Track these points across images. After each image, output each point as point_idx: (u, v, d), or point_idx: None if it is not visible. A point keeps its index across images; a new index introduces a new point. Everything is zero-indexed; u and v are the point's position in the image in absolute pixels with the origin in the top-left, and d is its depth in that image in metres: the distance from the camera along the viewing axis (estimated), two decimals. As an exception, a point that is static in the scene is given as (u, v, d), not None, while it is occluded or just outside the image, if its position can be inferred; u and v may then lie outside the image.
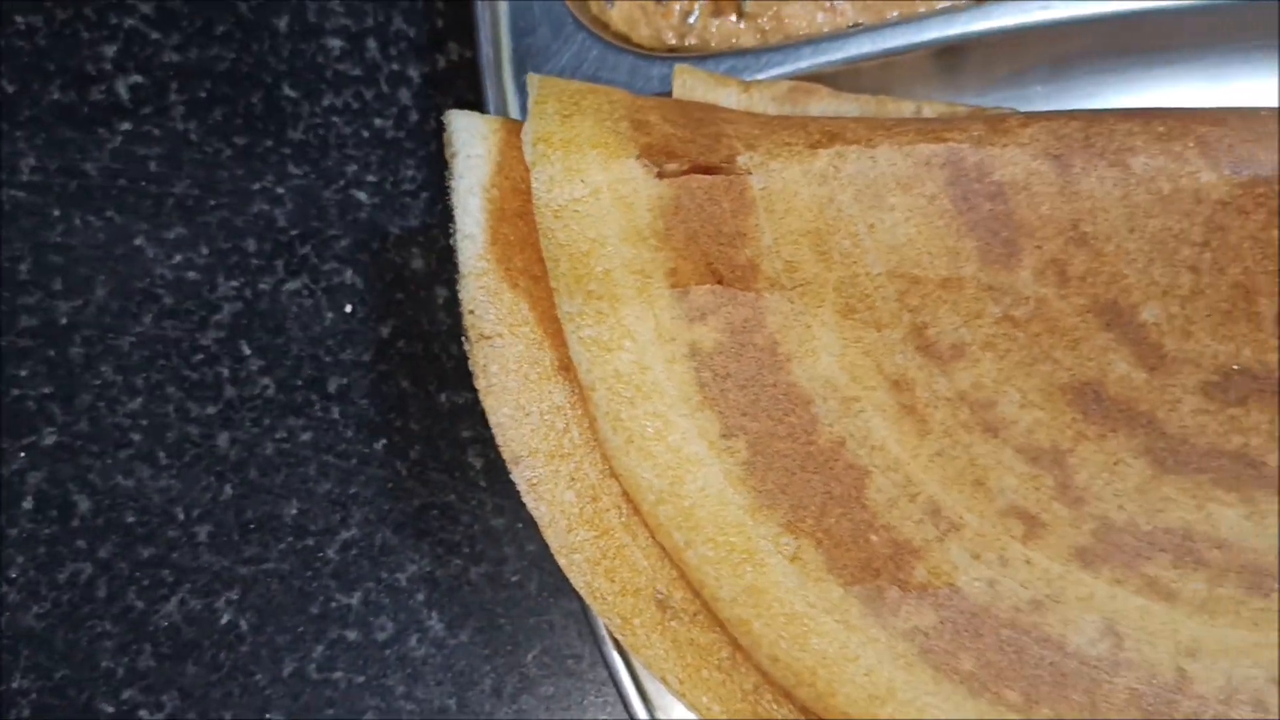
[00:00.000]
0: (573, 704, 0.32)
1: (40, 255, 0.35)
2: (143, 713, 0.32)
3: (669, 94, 0.33)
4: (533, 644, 0.33)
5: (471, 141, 0.30)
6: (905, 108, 0.33)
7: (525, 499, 0.28)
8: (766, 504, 0.29)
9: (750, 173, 0.28)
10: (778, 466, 0.29)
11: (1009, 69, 0.37)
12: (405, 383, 0.34)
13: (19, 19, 0.36)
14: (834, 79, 0.35)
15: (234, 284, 0.35)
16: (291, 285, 0.35)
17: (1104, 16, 0.34)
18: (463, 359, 0.28)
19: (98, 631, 0.32)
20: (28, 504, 0.34)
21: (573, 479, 0.29)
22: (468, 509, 0.33)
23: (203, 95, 0.37)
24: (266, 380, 0.34)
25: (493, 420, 0.29)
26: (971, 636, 0.29)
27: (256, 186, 0.36)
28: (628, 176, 0.28)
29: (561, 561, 0.29)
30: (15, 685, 0.32)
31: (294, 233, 0.36)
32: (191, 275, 0.35)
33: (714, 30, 0.35)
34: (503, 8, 0.34)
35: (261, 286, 0.35)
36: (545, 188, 0.28)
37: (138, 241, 0.35)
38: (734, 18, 0.35)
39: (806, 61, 0.35)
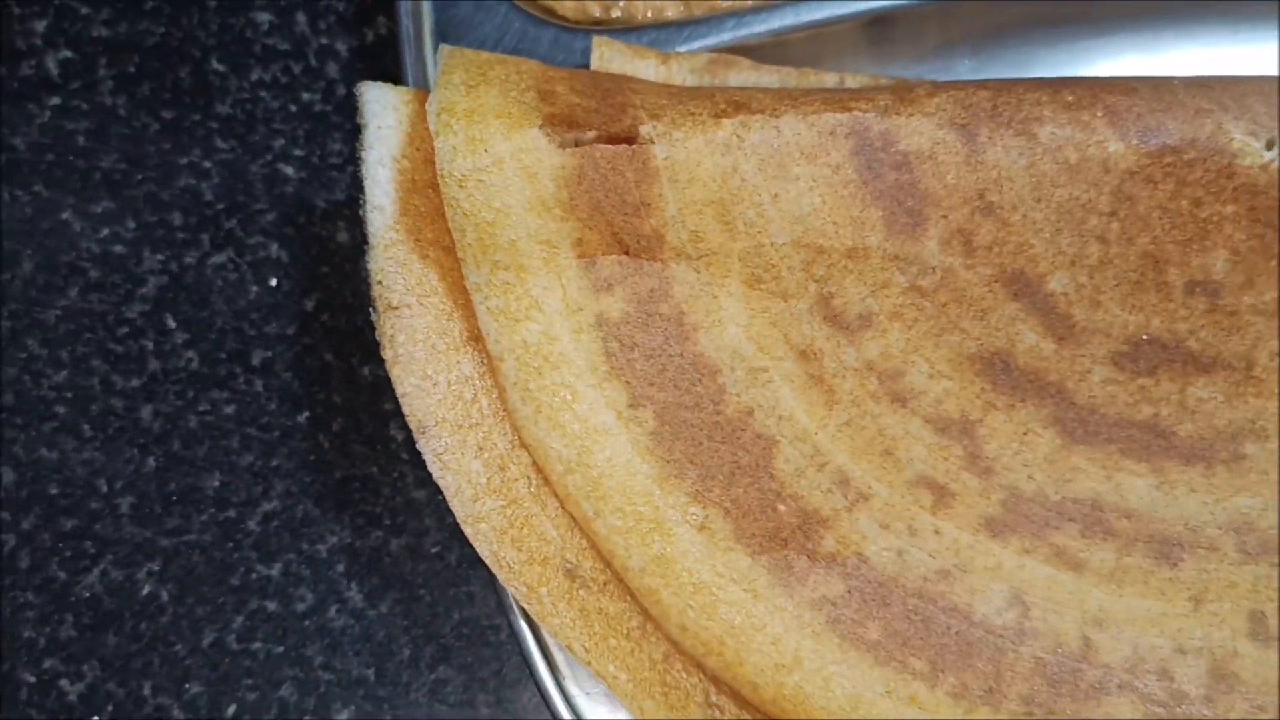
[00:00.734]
0: (490, 673, 0.32)
1: (-33, 229, 0.35)
2: (63, 682, 0.32)
3: (589, 66, 0.33)
4: (451, 614, 0.33)
5: (382, 113, 0.30)
6: (828, 79, 0.33)
7: (431, 468, 0.28)
8: (674, 474, 0.29)
9: (653, 142, 0.28)
10: (685, 436, 0.29)
11: (939, 40, 0.37)
12: (329, 355, 0.34)
13: (-54, -6, 0.36)
14: (760, 51, 0.35)
15: (160, 258, 0.35)
16: (217, 259, 0.35)
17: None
18: (388, 332, 0.28)
19: (20, 602, 0.33)
20: (-47, 476, 0.34)
21: (480, 449, 0.29)
22: (389, 481, 0.33)
23: (131, 70, 0.37)
24: (191, 353, 0.34)
25: (399, 390, 0.29)
26: (879, 606, 0.29)
27: (183, 161, 0.36)
28: (530, 146, 0.28)
29: (468, 530, 0.29)
30: (-60, 655, 0.32)
31: (220, 206, 0.36)
32: (118, 249, 0.35)
33: (639, 3, 0.35)
34: (426, -20, 0.34)
35: (187, 260, 0.35)
36: (448, 157, 0.28)
37: (64, 215, 0.35)
38: (658, -10, 0.35)
39: (729, 34, 0.35)
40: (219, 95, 0.36)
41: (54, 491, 0.33)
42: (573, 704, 0.30)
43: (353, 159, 0.36)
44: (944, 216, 0.29)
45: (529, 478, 0.30)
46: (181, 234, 0.35)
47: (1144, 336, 0.30)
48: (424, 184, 0.30)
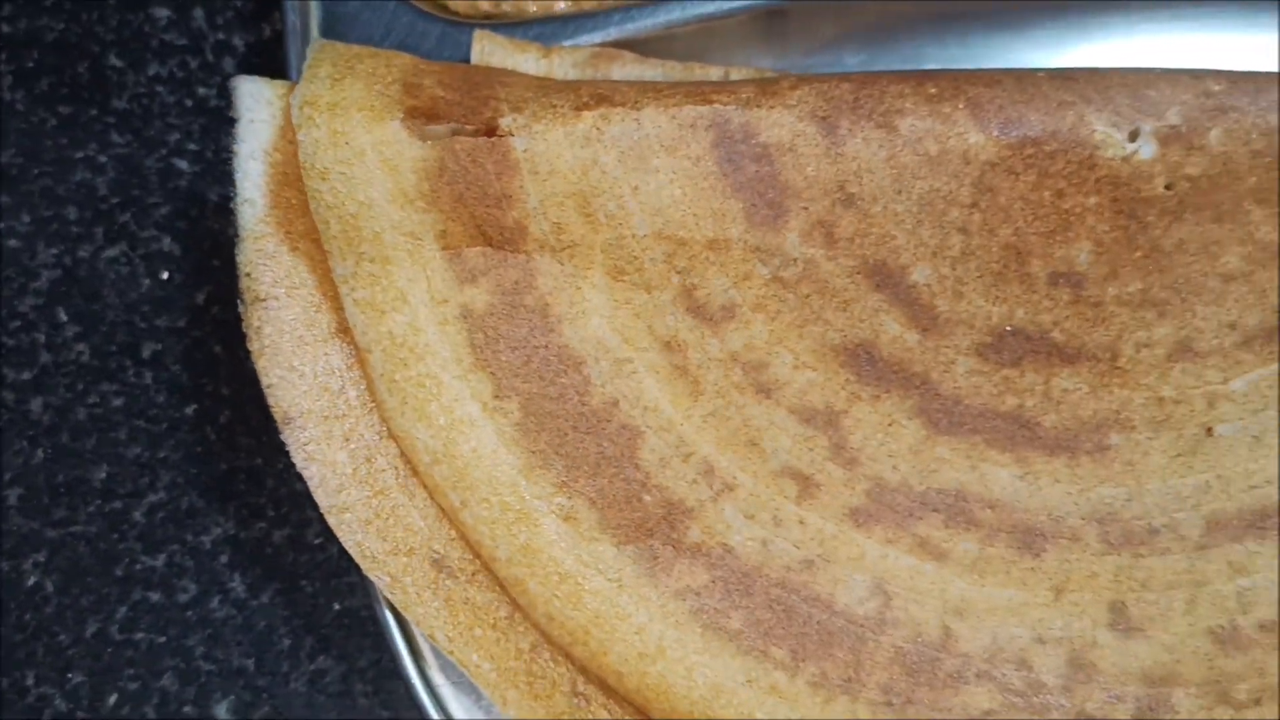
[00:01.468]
0: (369, 663, 0.32)
1: None
2: (-52, 672, 0.33)
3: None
4: (332, 605, 0.33)
5: (255, 106, 0.30)
6: (713, 73, 0.33)
7: (295, 459, 0.29)
8: (539, 464, 0.29)
9: (513, 135, 0.28)
10: (550, 427, 0.29)
11: (833, 35, 0.37)
12: (218, 348, 0.35)
13: None
14: (648, 45, 0.35)
15: (54, 251, 0.35)
16: (110, 252, 0.35)
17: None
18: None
19: (-93, 593, 0.33)
20: None
21: (346, 439, 0.30)
22: (273, 473, 0.34)
23: (30, 65, 0.37)
24: (82, 346, 0.35)
25: (264, 382, 0.29)
26: (742, 595, 0.29)
27: (79, 155, 0.36)
28: (391, 139, 0.28)
29: (331, 521, 0.29)
30: None
31: (114, 200, 0.36)
32: (12, 243, 0.35)
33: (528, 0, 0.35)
34: (315, -26, 0.34)
35: (81, 254, 0.35)
36: (310, 150, 0.29)
37: (-41, 210, 0.36)
38: (546, -16, 0.35)
39: (616, 29, 0.35)
40: (116, 90, 0.37)
41: (-58, 484, 0.34)
42: (437, 694, 0.30)
43: (247, 153, 0.36)
44: (805, 208, 0.29)
45: (397, 468, 0.30)
46: (76, 228, 0.36)
47: (1008, 328, 0.30)
48: (296, 177, 0.30)
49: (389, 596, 0.29)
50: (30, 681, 0.32)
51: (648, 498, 0.30)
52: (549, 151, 0.28)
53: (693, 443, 0.30)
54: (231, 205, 0.30)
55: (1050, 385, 0.30)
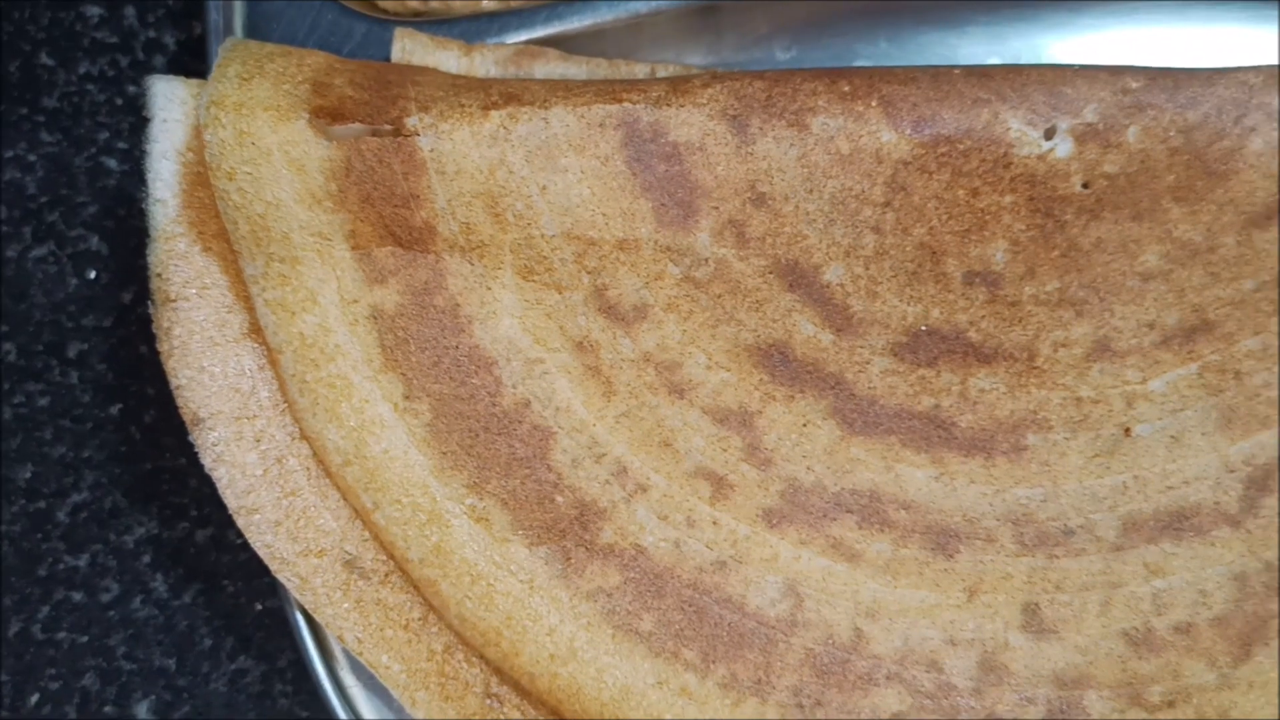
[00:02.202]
0: (288, 663, 0.32)
1: None
2: None
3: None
4: (253, 605, 0.33)
5: (169, 106, 0.30)
6: (639, 70, 0.33)
7: (204, 460, 0.29)
8: (451, 465, 0.29)
9: (419, 134, 0.28)
10: (462, 428, 0.29)
11: (768, 28, 0.37)
12: (144, 348, 0.35)
13: None
14: (578, 42, 0.35)
15: (-19, 251, 0.35)
16: (38, 252, 0.35)
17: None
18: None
19: None
20: None
21: (257, 440, 0.30)
22: (197, 473, 0.33)
23: (-40, 63, 0.37)
24: (8, 345, 0.35)
25: (173, 383, 0.29)
26: (654, 597, 0.29)
27: (9, 154, 0.36)
28: (297, 139, 0.28)
29: (240, 522, 0.29)
30: None
31: (43, 200, 0.36)
32: (-60, 243, 0.35)
33: (455, -5, 0.35)
34: (241, -28, 0.34)
35: (8, 253, 0.35)
36: (216, 151, 0.28)
37: (-112, 210, 0.36)
38: (473, -19, 0.35)
39: (543, 27, 0.35)
40: (46, 89, 0.37)
41: None
42: (347, 694, 0.30)
43: (176, 152, 0.36)
44: (715, 208, 0.29)
45: (309, 470, 0.30)
46: (5, 227, 0.36)
47: (923, 327, 0.30)
48: (209, 177, 0.30)
49: (298, 598, 0.29)
50: (-47, 681, 0.32)
51: (560, 499, 0.29)
52: (455, 151, 0.28)
53: (606, 443, 0.30)
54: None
55: (967, 385, 0.30)
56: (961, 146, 0.29)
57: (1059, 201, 0.29)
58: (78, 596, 0.33)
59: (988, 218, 0.29)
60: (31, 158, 0.36)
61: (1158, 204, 0.29)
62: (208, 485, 0.33)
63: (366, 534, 0.30)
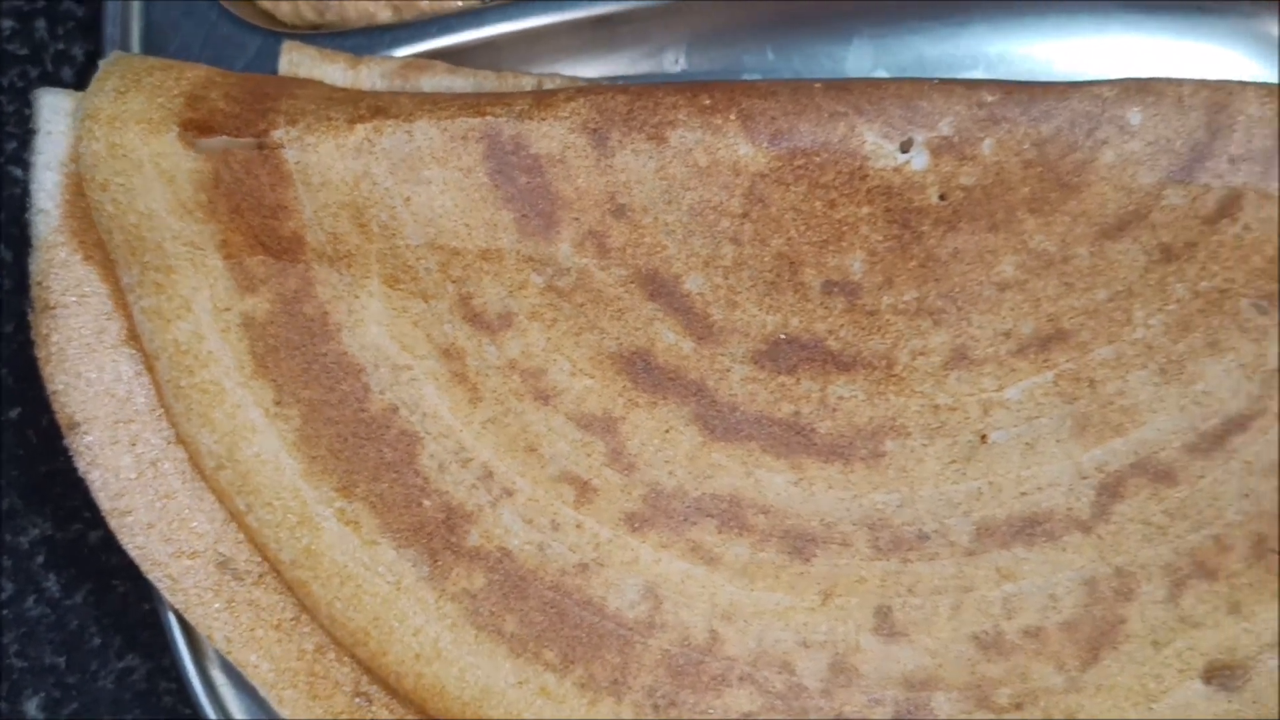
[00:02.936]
0: (173, 662, 0.33)
1: None
2: None
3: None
4: (141, 604, 0.34)
5: (54, 118, 0.31)
6: (526, 83, 0.34)
7: (78, 464, 0.29)
8: (321, 469, 0.30)
9: (284, 147, 0.29)
10: (331, 433, 0.30)
11: (663, 40, 0.38)
12: (44, 353, 0.35)
13: None
14: (469, 55, 0.36)
15: (-111, 257, 0.36)
16: (-56, 259, 0.36)
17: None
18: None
19: None
20: None
21: (133, 444, 0.30)
22: (91, 475, 0.34)
23: (-126, 74, 0.38)
24: (-88, 351, 0.36)
25: (50, 388, 0.30)
26: (518, 599, 0.30)
27: (-81, 163, 0.37)
28: (167, 151, 0.29)
29: (112, 524, 0.30)
30: None
31: (-50, 209, 0.37)
32: None
33: (350, 8, 0.36)
34: (139, -16, 0.35)
35: (-85, 260, 0.36)
36: (91, 162, 0.29)
37: None
38: (366, -5, 0.36)
39: (434, 40, 0.35)
40: (-43, 100, 0.37)
41: None
42: (216, 692, 0.31)
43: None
44: (576, 219, 0.29)
45: (184, 473, 0.31)
46: (-87, 234, 0.36)
47: (782, 336, 0.30)
48: (93, 187, 0.31)
49: (169, 599, 0.30)
50: None
51: (427, 502, 0.30)
52: (321, 163, 0.29)
53: (472, 448, 0.30)
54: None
55: (826, 392, 0.30)
56: (818, 159, 0.29)
57: (915, 213, 0.30)
58: (-28, 596, 0.34)
59: (845, 229, 0.30)
60: (-60, 167, 0.37)
61: (1013, 215, 0.30)
62: (101, 487, 0.34)
63: (241, 536, 0.31)
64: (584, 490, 0.30)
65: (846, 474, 0.30)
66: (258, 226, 0.29)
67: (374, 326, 0.30)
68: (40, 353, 0.30)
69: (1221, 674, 0.29)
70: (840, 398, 0.30)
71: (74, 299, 0.30)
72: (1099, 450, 0.30)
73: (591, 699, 0.29)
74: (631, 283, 0.30)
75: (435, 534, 0.30)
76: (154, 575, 0.30)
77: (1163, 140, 0.29)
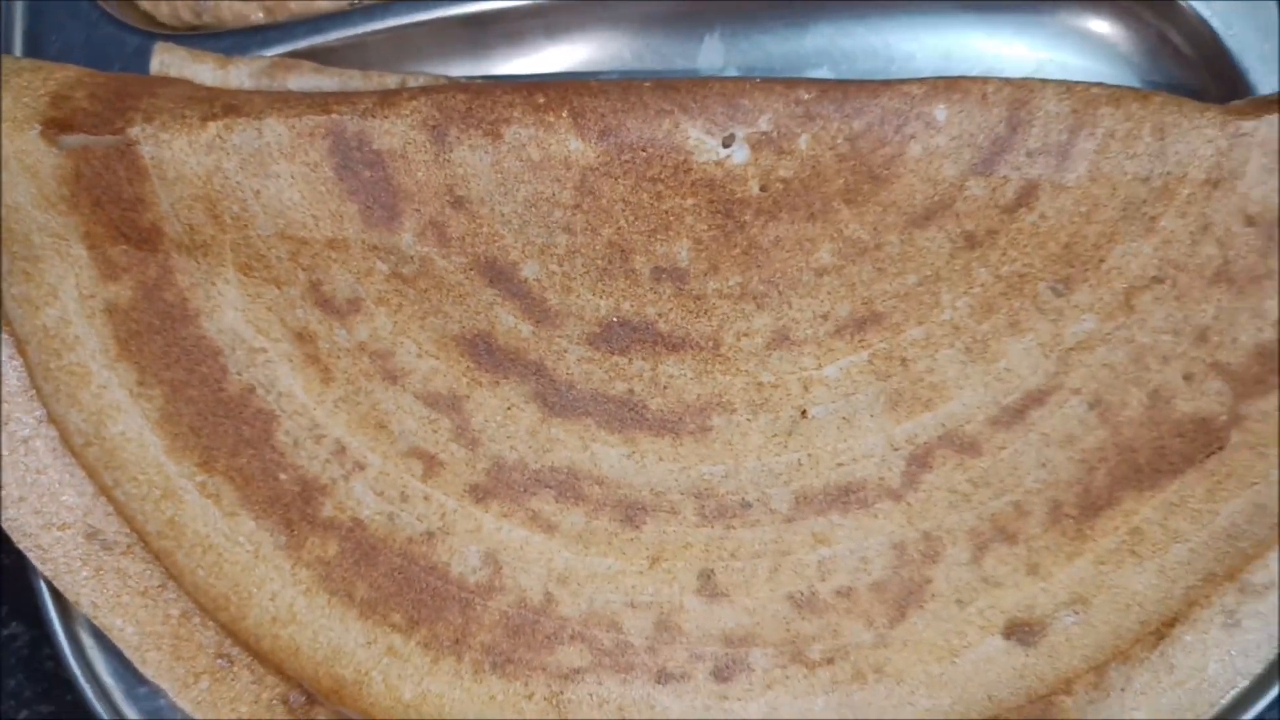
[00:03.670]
0: (44, 642, 0.35)
1: None
2: None
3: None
4: (26, 575, 0.35)
5: (-71, 116, 0.33)
6: (390, 81, 0.35)
7: (-53, 443, 0.31)
8: (183, 446, 0.32)
9: (140, 143, 0.31)
10: (191, 412, 0.32)
11: (532, 37, 0.40)
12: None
13: None
14: (340, 54, 0.38)
15: None
16: None
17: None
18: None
19: None
20: None
21: (5, 422, 0.32)
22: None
23: None
24: None
25: (-81, 373, 0.32)
26: (368, 566, 0.32)
27: None
28: (29, 148, 0.31)
29: (-15, 498, 0.32)
30: None
31: None
32: None
33: (225, 10, 0.38)
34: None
35: None
36: (-43, 159, 0.31)
37: None
38: (239, -3, 0.38)
39: (304, 40, 0.37)
40: None
41: None
42: (85, 655, 0.33)
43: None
44: (417, 210, 0.31)
45: (56, 450, 0.33)
46: None
47: (615, 319, 0.32)
48: (-31, 181, 0.32)
49: (40, 568, 0.32)
50: None
51: (284, 476, 0.32)
52: (175, 158, 0.31)
53: (325, 426, 0.32)
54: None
55: (657, 371, 0.33)
56: (644, 154, 0.31)
57: (737, 204, 0.32)
58: None
59: (671, 219, 0.32)
60: None
61: (829, 206, 0.32)
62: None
63: (110, 509, 0.33)
64: (431, 464, 0.32)
65: (676, 447, 0.33)
66: (118, 218, 0.31)
67: (230, 311, 0.32)
68: (-93, 343, 0.32)
69: (1020, 630, 0.32)
70: (670, 376, 0.33)
71: (-52, 287, 0.32)
72: (909, 424, 0.32)
73: (434, 657, 0.31)
74: (471, 270, 0.32)
75: (291, 506, 0.32)
76: (24, 545, 0.32)
77: (966, 135, 0.31)
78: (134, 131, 0.31)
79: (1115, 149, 0.31)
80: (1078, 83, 0.32)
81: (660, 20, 0.39)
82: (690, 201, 0.32)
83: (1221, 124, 0.31)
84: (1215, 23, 0.36)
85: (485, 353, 0.32)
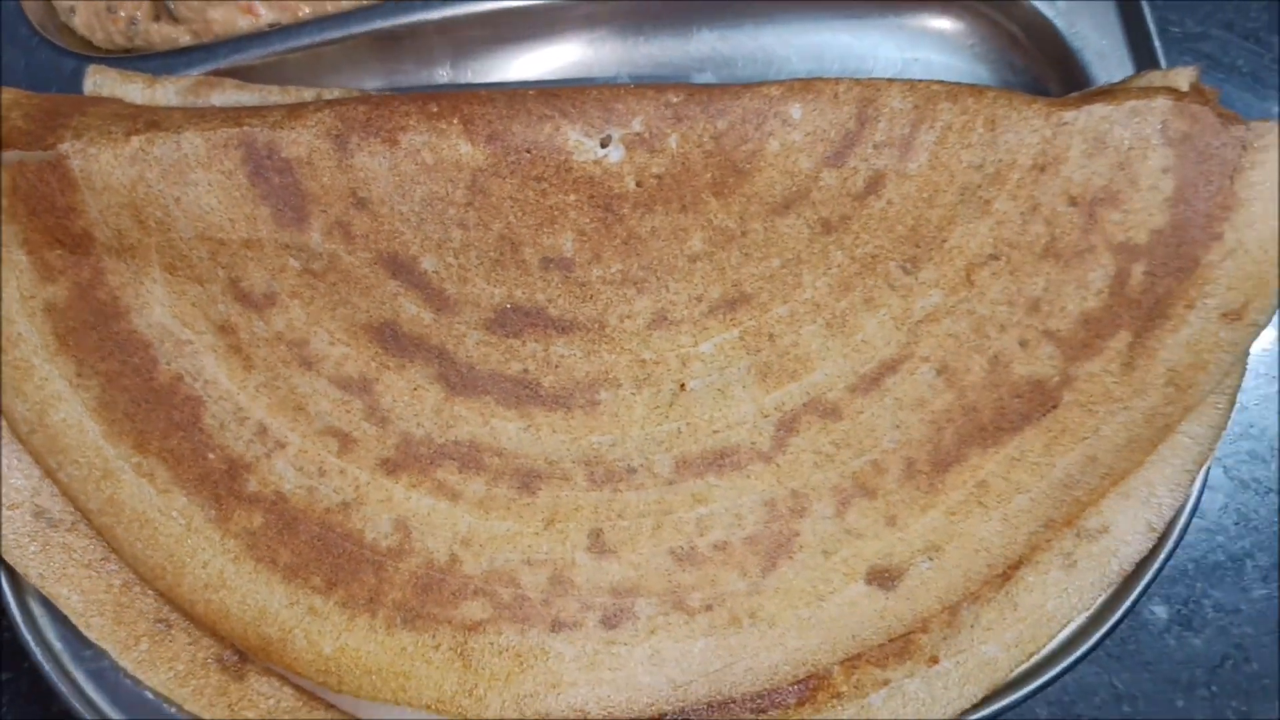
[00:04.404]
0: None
1: None
2: None
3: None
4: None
5: (-119, 137, 0.36)
6: (307, 94, 0.39)
7: (-96, 434, 0.35)
8: (119, 430, 0.35)
9: (69, 158, 0.34)
10: (126, 399, 0.35)
11: (442, 53, 0.43)
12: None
13: None
14: (260, 71, 0.41)
15: None
16: None
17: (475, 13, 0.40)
18: None
19: None
20: None
21: (-47, 415, 0.35)
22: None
23: None
24: None
25: (-119, 368, 0.35)
26: (290, 535, 0.35)
27: None
28: (-31, 165, 0.34)
29: (-67, 484, 0.35)
30: None
31: None
32: None
33: (154, 33, 0.41)
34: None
35: None
36: (-95, 175, 0.34)
37: None
38: (167, 21, 0.41)
39: (225, 60, 0.40)
40: None
41: None
42: (35, 622, 0.36)
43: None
44: (324, 211, 0.35)
45: (7, 439, 0.36)
46: None
47: (509, 305, 0.36)
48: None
49: (-9, 544, 0.35)
50: None
51: (211, 455, 0.35)
52: (102, 170, 0.34)
53: (248, 409, 0.36)
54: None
55: (549, 352, 0.36)
56: (529, 155, 0.35)
57: (616, 198, 0.35)
58: None
59: (556, 213, 0.35)
60: None
61: (699, 198, 0.35)
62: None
63: (55, 490, 0.36)
64: (346, 441, 0.36)
65: (568, 420, 0.36)
66: (53, 225, 0.35)
67: (158, 308, 0.35)
68: None
69: (880, 576, 0.35)
70: (561, 356, 0.36)
71: (-98, 292, 0.35)
72: (777, 393, 0.36)
73: (351, 615, 0.35)
74: (375, 264, 0.35)
75: (219, 482, 0.35)
76: (-25, 525, 0.35)
77: (819, 131, 0.35)
78: (64, 147, 0.34)
79: (953, 140, 0.35)
80: (920, 81, 0.35)
81: (553, 30, 0.42)
82: (573, 197, 0.35)
83: (1046, 115, 0.34)
84: (1059, 22, 0.40)
85: (391, 339, 0.36)
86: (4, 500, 0.35)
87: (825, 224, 0.35)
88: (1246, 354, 0.35)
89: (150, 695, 0.36)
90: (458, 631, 0.35)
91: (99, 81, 0.38)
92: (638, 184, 0.35)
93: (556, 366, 0.36)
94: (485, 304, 0.36)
